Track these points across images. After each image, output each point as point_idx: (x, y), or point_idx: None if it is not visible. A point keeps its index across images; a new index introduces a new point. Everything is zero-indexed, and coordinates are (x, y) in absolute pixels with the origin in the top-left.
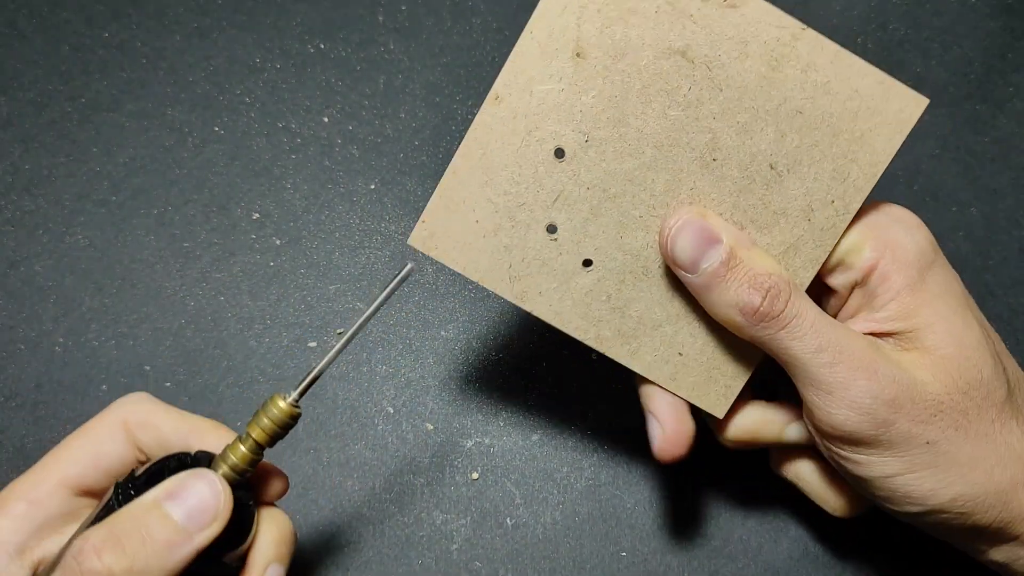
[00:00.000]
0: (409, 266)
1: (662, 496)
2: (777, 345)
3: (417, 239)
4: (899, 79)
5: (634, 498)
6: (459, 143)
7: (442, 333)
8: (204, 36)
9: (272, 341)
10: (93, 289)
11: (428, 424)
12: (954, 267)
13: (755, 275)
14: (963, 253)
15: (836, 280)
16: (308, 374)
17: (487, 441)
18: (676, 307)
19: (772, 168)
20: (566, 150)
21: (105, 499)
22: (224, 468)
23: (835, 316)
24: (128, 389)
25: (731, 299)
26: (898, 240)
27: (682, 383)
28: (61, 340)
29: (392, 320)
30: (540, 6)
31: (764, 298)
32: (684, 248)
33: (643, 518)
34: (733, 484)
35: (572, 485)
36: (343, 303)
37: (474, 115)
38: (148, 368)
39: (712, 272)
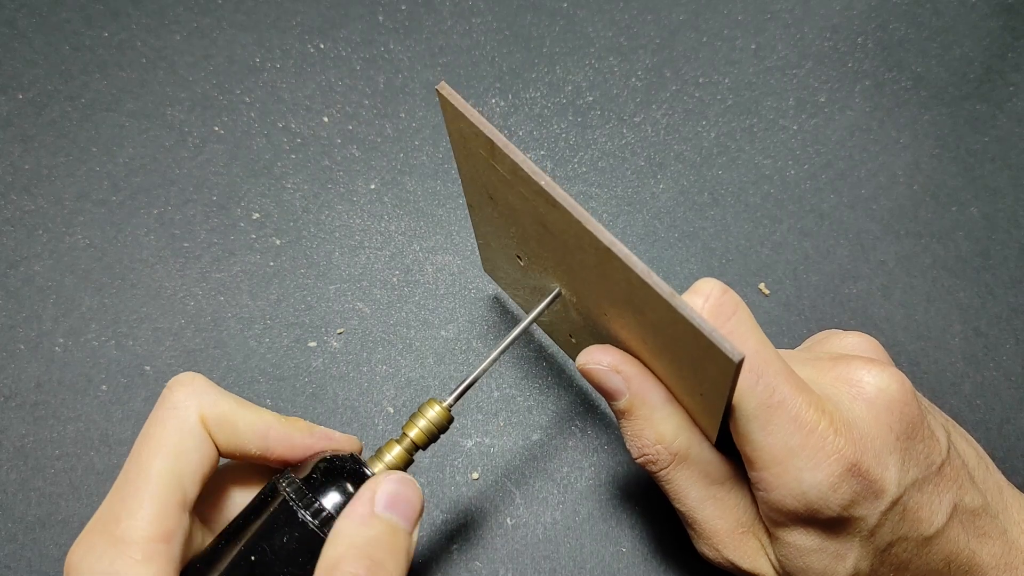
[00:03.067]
0: (557, 289)
1: (663, 496)
2: None
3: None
4: (899, 79)
5: (635, 498)
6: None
7: (442, 333)
8: (204, 36)
9: (272, 341)
10: (93, 289)
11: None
12: (954, 267)
13: (642, 439)
14: (963, 253)
15: None
16: (464, 381)
17: (487, 441)
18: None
19: (644, 343)
20: (521, 260)
21: (274, 505)
22: (380, 467)
23: None
24: (128, 389)
25: (625, 436)
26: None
27: None
28: (61, 340)
29: (392, 320)
30: (451, 140)
31: (641, 460)
32: (596, 383)
33: (643, 518)
34: None
35: (572, 485)
36: (343, 303)
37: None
38: (148, 368)
39: (616, 411)
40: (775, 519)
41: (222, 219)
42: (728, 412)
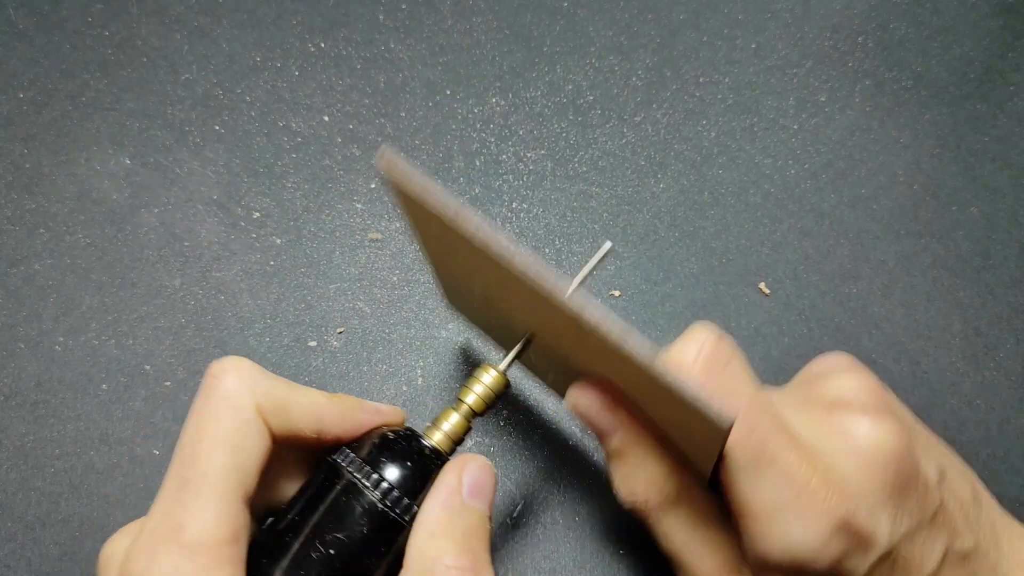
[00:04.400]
0: (608, 244)
1: None
2: None
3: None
4: (899, 78)
5: None
6: (459, 143)
7: (442, 333)
8: (204, 34)
9: (272, 341)
10: (93, 288)
11: (428, 423)
12: (954, 267)
13: (633, 481)
14: (963, 253)
15: None
16: (515, 348)
17: (487, 441)
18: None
19: (628, 389)
20: (488, 307)
21: (341, 490)
22: (439, 436)
23: None
24: (128, 389)
25: (614, 477)
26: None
27: None
28: (61, 339)
29: (392, 319)
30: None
31: (630, 503)
32: (587, 421)
33: None
34: None
35: (572, 485)
36: (343, 302)
37: (474, 114)
38: (148, 367)
39: (607, 451)
40: (761, 567)
41: (222, 218)
42: (719, 460)
